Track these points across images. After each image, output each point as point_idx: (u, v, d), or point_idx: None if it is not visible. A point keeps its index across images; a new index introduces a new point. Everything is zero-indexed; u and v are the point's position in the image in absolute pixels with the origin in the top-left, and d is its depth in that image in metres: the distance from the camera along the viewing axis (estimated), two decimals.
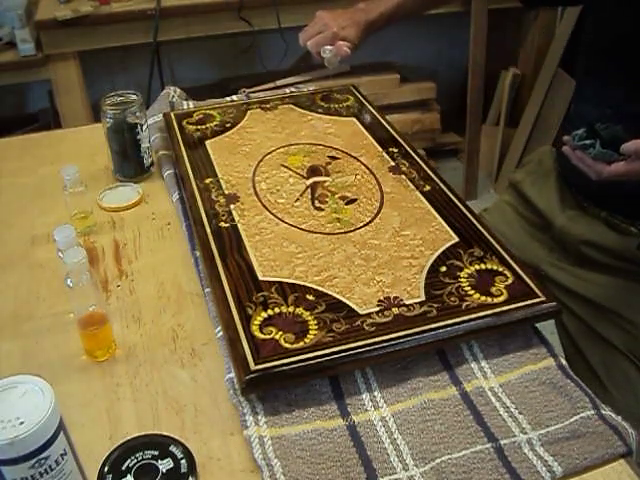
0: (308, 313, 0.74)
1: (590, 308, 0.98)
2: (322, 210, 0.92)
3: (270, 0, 1.95)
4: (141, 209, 1.02)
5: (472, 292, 0.77)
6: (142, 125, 1.05)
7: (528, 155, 1.28)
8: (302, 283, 0.79)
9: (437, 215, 0.91)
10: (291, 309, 0.75)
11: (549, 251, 1.06)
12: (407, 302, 0.76)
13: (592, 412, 0.67)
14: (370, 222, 0.90)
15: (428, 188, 0.97)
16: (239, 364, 0.68)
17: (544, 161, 1.12)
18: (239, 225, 0.89)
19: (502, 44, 2.42)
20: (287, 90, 1.32)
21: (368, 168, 1.02)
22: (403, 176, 1.00)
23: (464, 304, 0.75)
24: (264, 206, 0.93)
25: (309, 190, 0.97)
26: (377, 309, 0.75)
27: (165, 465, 0.61)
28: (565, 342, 1.04)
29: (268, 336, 0.71)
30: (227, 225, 0.89)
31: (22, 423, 0.50)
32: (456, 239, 0.86)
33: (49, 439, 0.52)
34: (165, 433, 0.65)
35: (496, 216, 1.16)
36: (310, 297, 0.77)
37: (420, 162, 1.03)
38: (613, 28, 0.92)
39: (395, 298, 0.76)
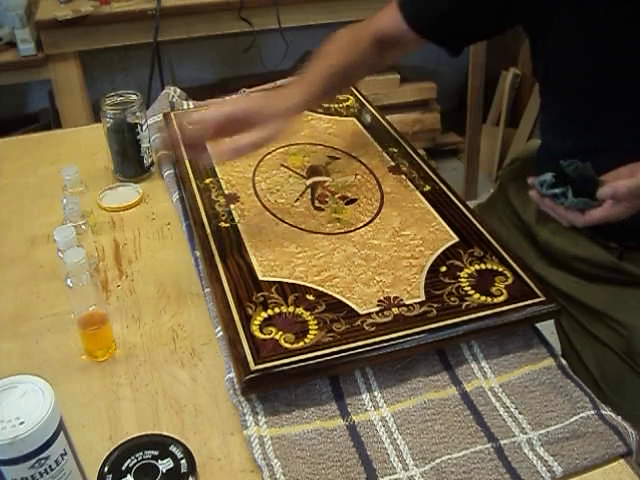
0: (308, 313, 0.74)
1: (582, 309, 0.98)
2: (322, 210, 0.92)
3: (270, 0, 1.95)
4: (141, 209, 1.02)
5: (472, 292, 0.77)
6: (142, 125, 1.05)
7: (518, 151, 1.24)
8: (302, 283, 0.79)
9: (437, 215, 0.91)
10: (291, 309, 0.75)
11: (539, 256, 1.05)
12: (407, 302, 0.76)
13: (592, 412, 0.67)
14: (370, 222, 0.90)
15: (428, 188, 0.97)
16: (239, 364, 0.68)
17: (529, 163, 1.08)
18: (239, 225, 0.89)
19: (502, 44, 2.42)
20: None
21: (368, 168, 1.02)
22: (403, 176, 1.00)
23: (464, 304, 0.75)
24: (264, 206, 0.93)
25: (309, 190, 0.97)
26: (377, 309, 0.75)
27: (165, 465, 0.61)
28: (561, 338, 1.04)
29: (268, 336, 0.71)
30: (227, 225, 0.89)
31: (22, 423, 0.50)
32: (456, 239, 0.86)
33: (49, 439, 0.52)
34: (165, 433, 0.65)
35: (488, 213, 1.14)
36: (310, 297, 0.77)
37: (420, 162, 1.03)
38: (566, 54, 0.87)
39: (395, 298, 0.76)
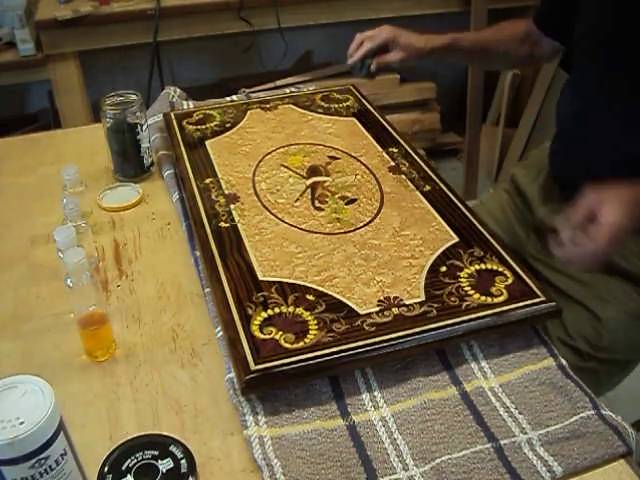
0: (308, 313, 0.74)
1: (560, 299, 1.02)
2: (322, 210, 0.92)
3: (270, 0, 1.95)
4: (141, 209, 1.02)
5: (472, 292, 0.77)
6: (142, 125, 1.05)
7: (532, 150, 1.34)
8: (302, 283, 0.79)
9: (437, 215, 0.91)
10: (291, 309, 0.75)
11: (527, 239, 1.12)
12: (407, 302, 0.76)
13: (592, 412, 0.67)
14: (370, 222, 0.90)
15: (428, 188, 0.97)
16: (239, 364, 0.68)
17: (543, 157, 1.16)
18: (239, 225, 0.89)
19: None
20: (287, 90, 1.33)
21: (368, 168, 1.02)
22: (403, 176, 1.00)
23: (464, 304, 0.75)
24: (264, 206, 0.93)
25: (309, 190, 0.97)
26: (377, 309, 0.75)
27: (165, 465, 0.61)
28: None
29: (268, 336, 0.71)
30: (227, 225, 0.89)
31: (22, 423, 0.50)
32: (456, 239, 0.86)
33: (49, 439, 0.52)
34: (165, 433, 0.65)
35: (492, 201, 1.23)
36: (310, 297, 0.77)
37: (420, 162, 1.03)
38: (596, 30, 0.97)
39: (395, 298, 0.76)
